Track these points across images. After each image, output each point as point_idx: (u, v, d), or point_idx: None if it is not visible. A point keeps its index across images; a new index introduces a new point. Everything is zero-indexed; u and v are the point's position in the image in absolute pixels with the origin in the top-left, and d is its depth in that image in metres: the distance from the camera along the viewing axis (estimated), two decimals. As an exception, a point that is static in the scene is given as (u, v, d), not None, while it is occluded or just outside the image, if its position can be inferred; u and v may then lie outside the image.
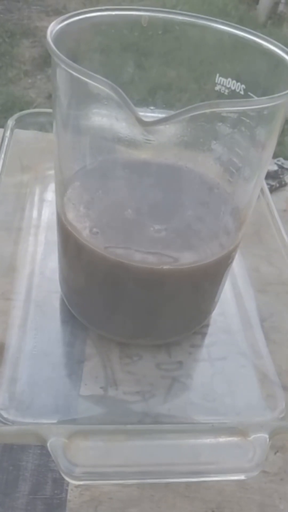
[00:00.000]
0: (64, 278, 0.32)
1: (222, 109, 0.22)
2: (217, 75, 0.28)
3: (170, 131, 0.22)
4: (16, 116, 0.41)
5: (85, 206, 0.29)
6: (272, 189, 0.46)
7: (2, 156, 0.37)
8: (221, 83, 0.28)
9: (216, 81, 0.28)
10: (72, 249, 0.29)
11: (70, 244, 0.29)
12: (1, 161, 0.36)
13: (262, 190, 0.39)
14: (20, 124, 0.41)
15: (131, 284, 0.28)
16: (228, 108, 0.23)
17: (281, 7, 2.22)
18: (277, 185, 0.46)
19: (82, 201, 0.29)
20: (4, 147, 0.37)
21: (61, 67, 0.22)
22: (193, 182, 0.30)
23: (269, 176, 0.46)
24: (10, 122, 0.40)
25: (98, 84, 0.21)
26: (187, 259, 0.28)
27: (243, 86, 0.27)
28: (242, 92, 0.28)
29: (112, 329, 0.31)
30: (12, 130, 0.39)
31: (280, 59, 0.26)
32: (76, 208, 0.29)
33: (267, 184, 0.44)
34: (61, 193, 0.29)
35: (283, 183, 0.47)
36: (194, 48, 0.29)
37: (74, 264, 0.30)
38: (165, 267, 0.27)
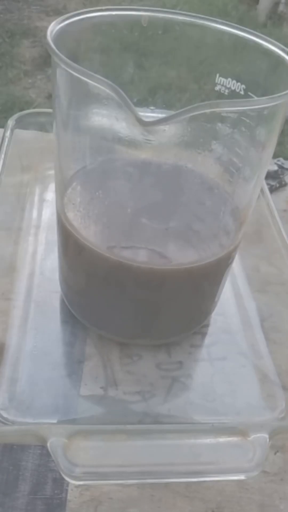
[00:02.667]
0: (64, 278, 0.32)
1: (222, 109, 0.22)
2: (217, 75, 0.28)
3: (170, 131, 0.22)
4: (16, 116, 0.41)
5: (85, 206, 0.29)
6: (272, 189, 0.46)
7: (2, 156, 0.37)
8: (221, 83, 0.28)
9: (216, 81, 0.28)
10: (72, 249, 0.29)
11: (70, 244, 0.29)
12: (1, 161, 0.36)
13: (262, 190, 0.39)
14: (20, 124, 0.41)
15: (131, 284, 0.28)
16: (228, 108, 0.23)
17: (281, 7, 2.22)
18: (277, 185, 0.46)
19: (82, 201, 0.29)
20: (4, 147, 0.37)
21: (61, 67, 0.22)
22: (193, 182, 0.30)
23: (269, 176, 0.46)
24: (10, 122, 0.40)
25: (98, 84, 0.21)
26: (187, 259, 0.28)
27: (243, 86, 0.27)
28: (242, 92, 0.28)
29: (112, 329, 0.31)
30: (12, 130, 0.39)
31: (280, 59, 0.26)
32: (76, 208, 0.29)
33: (267, 184, 0.44)
34: (61, 193, 0.29)
35: (283, 183, 0.47)
36: (194, 48, 0.29)
37: (74, 264, 0.30)
38: (165, 267, 0.27)
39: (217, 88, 0.29)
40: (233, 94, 0.28)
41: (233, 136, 0.25)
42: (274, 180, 0.46)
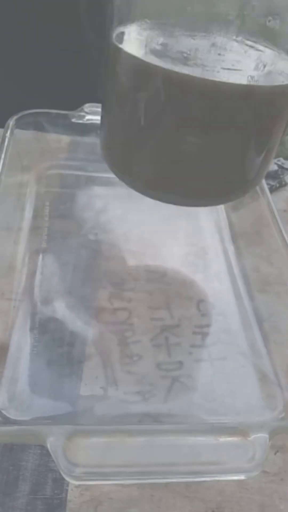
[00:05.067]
0: (107, 123, 0.29)
1: None
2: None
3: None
4: (16, 116, 0.41)
5: (146, 26, 0.26)
6: (272, 189, 0.46)
7: (2, 156, 0.36)
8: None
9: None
10: (123, 75, 0.26)
11: (122, 71, 0.26)
12: (1, 161, 0.36)
13: (262, 190, 0.39)
14: (20, 124, 0.40)
15: (179, 107, 0.25)
16: None
17: (281, 7, 2.22)
18: (277, 185, 0.46)
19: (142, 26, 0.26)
20: (4, 147, 0.37)
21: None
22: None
23: (269, 176, 0.46)
24: (10, 122, 0.40)
25: None
26: (246, 74, 0.24)
27: None
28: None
29: (143, 176, 0.28)
30: (12, 130, 0.39)
31: None
32: (136, 30, 0.26)
33: (267, 184, 0.44)
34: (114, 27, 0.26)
35: (283, 183, 0.47)
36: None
37: (122, 90, 0.27)
38: (221, 79, 0.24)
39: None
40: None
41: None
42: (274, 180, 0.46)
